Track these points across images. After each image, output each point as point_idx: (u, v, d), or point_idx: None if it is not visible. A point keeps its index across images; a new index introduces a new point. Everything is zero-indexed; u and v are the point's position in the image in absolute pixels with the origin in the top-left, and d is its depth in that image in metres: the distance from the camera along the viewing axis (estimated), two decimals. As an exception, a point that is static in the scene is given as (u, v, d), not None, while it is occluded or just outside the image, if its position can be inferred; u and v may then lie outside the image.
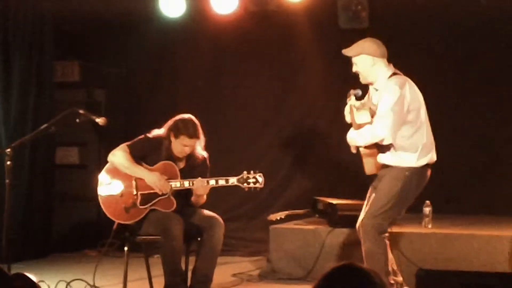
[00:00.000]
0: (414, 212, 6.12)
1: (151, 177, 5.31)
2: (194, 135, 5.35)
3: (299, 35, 7.73)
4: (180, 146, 5.37)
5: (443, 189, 7.06)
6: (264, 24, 7.70)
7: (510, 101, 7.23)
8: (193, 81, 8.09)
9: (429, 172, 5.14)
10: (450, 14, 7.15)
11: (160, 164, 5.39)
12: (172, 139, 5.38)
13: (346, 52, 5.19)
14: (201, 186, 5.27)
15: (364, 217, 5.10)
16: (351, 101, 5.14)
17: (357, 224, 5.17)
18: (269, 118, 8.00)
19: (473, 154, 7.35)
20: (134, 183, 5.36)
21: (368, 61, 5.09)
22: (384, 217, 5.05)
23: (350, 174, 6.74)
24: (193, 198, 5.46)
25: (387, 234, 5.11)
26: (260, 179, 5.29)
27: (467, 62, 7.32)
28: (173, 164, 5.39)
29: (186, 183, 5.31)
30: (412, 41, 7.34)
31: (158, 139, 5.43)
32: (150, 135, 5.47)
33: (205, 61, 8.06)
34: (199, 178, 5.29)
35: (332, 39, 7.14)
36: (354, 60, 5.16)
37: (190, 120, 5.38)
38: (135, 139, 5.48)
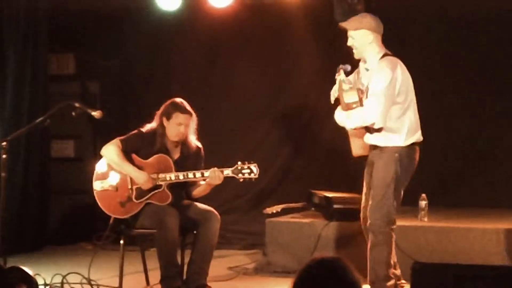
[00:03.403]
0: (409, 205, 6.14)
1: (139, 177, 5.30)
2: (186, 111, 5.37)
3: (295, 28, 7.72)
4: (174, 127, 5.37)
5: (438, 182, 7.07)
6: (259, 17, 7.68)
7: (506, 93, 7.23)
8: (188, 73, 8.08)
9: (417, 151, 5.13)
10: (447, 7, 7.14)
11: (154, 157, 5.39)
12: (166, 123, 5.39)
13: (345, 25, 5.15)
14: (217, 177, 5.26)
15: (369, 211, 5.08)
16: (341, 76, 5.09)
17: (362, 217, 5.17)
18: (264, 111, 7.99)
19: (468, 147, 7.35)
20: (129, 177, 5.35)
21: (367, 36, 5.07)
22: (389, 205, 5.03)
23: (346, 166, 6.74)
24: (200, 189, 5.46)
25: (395, 226, 5.10)
26: (255, 169, 5.28)
27: (464, 55, 7.31)
28: (167, 157, 5.39)
29: (181, 176, 5.31)
30: (408, 34, 7.33)
31: (151, 132, 5.44)
32: (144, 129, 5.48)
33: (200, 54, 8.04)
34: (214, 168, 5.27)
35: (327, 32, 7.12)
36: (351, 33, 5.12)
37: (180, 100, 5.43)
38: (129, 134, 5.48)
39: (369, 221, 5.07)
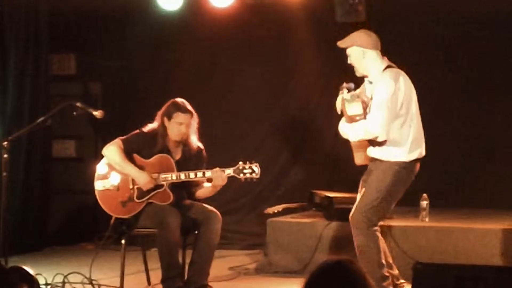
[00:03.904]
0: (411, 206, 6.14)
1: (139, 178, 5.31)
2: (187, 111, 5.38)
3: (296, 28, 7.72)
4: (175, 127, 5.38)
5: (439, 182, 7.07)
6: (261, 17, 7.69)
7: (506, 93, 7.24)
8: (189, 74, 8.08)
9: (418, 166, 5.13)
10: (447, 7, 7.15)
11: (155, 157, 5.40)
12: (167, 123, 5.40)
13: (340, 44, 5.20)
14: (220, 177, 5.26)
15: (354, 212, 5.11)
16: (344, 94, 5.13)
17: (349, 218, 5.18)
18: (265, 111, 8.00)
19: (468, 147, 7.36)
20: (130, 177, 5.36)
21: (359, 52, 5.10)
22: (374, 211, 5.05)
23: (347, 166, 6.73)
24: (205, 191, 5.47)
25: (377, 228, 5.11)
26: (256, 169, 5.28)
27: (463, 55, 7.32)
28: (169, 156, 5.40)
29: (182, 175, 5.32)
30: (409, 34, 7.34)
31: (152, 132, 5.44)
32: (145, 129, 5.48)
33: (201, 54, 8.04)
34: (216, 168, 5.28)
35: (328, 33, 7.13)
36: (347, 51, 5.16)
37: (181, 100, 5.44)
38: (130, 134, 5.49)
39: (352, 223, 5.09)
